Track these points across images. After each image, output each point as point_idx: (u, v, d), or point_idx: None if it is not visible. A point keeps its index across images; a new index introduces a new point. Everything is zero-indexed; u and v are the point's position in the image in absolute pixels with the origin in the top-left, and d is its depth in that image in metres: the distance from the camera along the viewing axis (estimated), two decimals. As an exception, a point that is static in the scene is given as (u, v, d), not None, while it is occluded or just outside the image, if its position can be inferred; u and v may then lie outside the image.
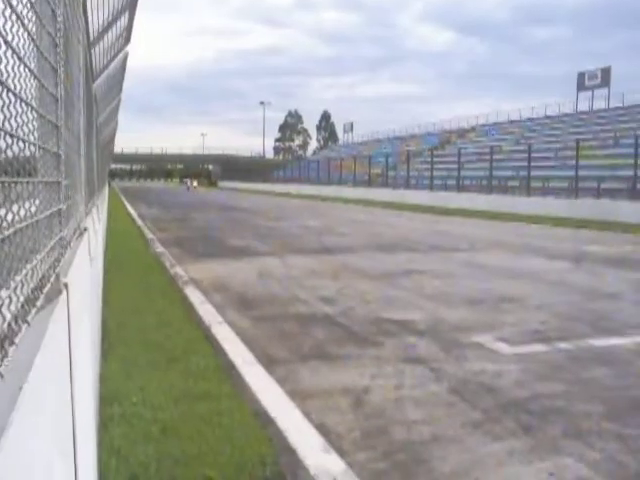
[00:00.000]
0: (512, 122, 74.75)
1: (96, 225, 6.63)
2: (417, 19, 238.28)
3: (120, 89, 13.48)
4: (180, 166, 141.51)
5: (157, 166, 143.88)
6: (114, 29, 6.09)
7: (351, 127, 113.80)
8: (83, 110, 3.97)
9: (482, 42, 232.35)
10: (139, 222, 23.99)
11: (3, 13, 1.07)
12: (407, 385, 5.21)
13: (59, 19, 1.99)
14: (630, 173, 29.80)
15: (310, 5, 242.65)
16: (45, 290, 1.48)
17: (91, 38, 5.04)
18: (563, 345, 6.53)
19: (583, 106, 69.30)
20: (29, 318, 1.20)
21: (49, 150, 1.68)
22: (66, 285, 1.70)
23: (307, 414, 4.57)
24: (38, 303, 1.41)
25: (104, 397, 4.73)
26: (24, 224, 1.21)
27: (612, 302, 8.95)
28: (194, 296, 9.10)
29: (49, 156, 1.69)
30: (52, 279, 1.59)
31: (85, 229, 3.61)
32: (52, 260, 1.66)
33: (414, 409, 4.69)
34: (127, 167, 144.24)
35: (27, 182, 1.35)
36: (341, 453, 3.96)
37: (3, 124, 1.04)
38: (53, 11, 1.85)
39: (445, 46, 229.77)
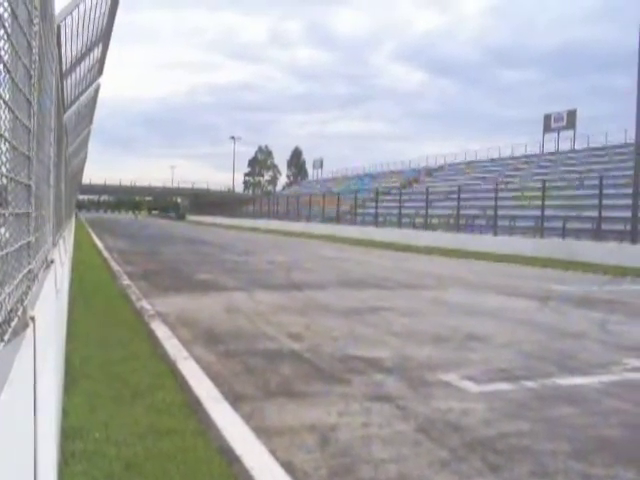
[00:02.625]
0: (480, 162, 75.77)
1: (62, 257, 6.56)
2: (390, 58, 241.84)
3: (91, 120, 13.44)
4: (149, 198, 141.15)
5: (125, 198, 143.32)
6: (87, 60, 6.09)
7: (321, 164, 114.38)
8: (54, 141, 3.95)
9: (452, 83, 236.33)
10: (105, 254, 23.76)
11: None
12: (374, 423, 5.18)
13: (34, 51, 1.98)
14: (594, 214, 30.27)
15: (284, 42, 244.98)
16: (13, 324, 1.45)
17: (64, 69, 5.03)
18: (529, 384, 6.56)
19: (549, 147, 70.56)
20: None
21: (20, 182, 1.67)
22: (33, 319, 1.67)
23: (273, 452, 4.52)
24: (5, 337, 1.39)
25: (66, 432, 4.63)
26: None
27: (577, 341, 9.03)
28: (160, 330, 9.00)
29: (20, 187, 1.68)
30: (19, 312, 1.56)
31: (52, 261, 3.57)
32: (20, 293, 1.64)
33: (381, 447, 4.66)
34: (95, 198, 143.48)
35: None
36: (307, 492, 3.91)
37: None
38: (29, 43, 1.85)
39: (416, 86, 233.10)
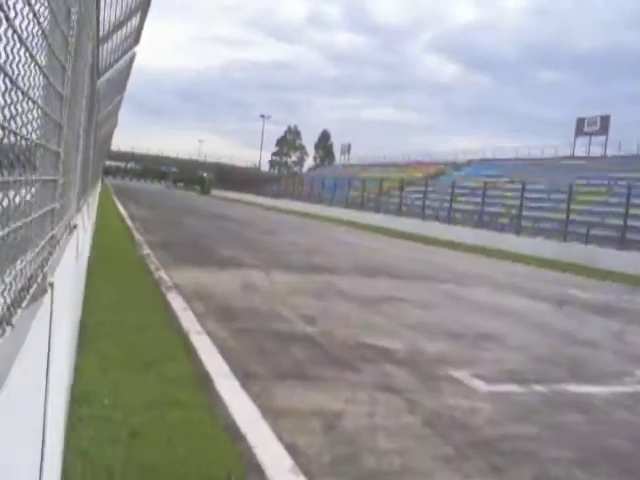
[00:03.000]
0: (508, 160, 75.17)
1: (85, 222, 6.60)
2: (426, 49, 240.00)
3: (124, 88, 13.48)
4: (174, 169, 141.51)
5: (152, 167, 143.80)
6: (124, 28, 6.09)
7: (348, 149, 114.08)
8: (85, 107, 3.96)
9: (487, 78, 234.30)
10: (128, 222, 23.90)
11: (21, 11, 1.06)
12: (380, 414, 5.19)
13: (73, 17, 1.98)
14: (620, 222, 29.97)
15: (322, 24, 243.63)
16: (31, 291, 1.46)
17: (101, 35, 5.04)
18: (539, 388, 6.53)
19: (580, 151, 69.88)
20: (13, 320, 1.19)
21: (50, 149, 1.67)
22: (51, 285, 1.68)
23: (278, 433, 4.54)
24: (24, 303, 1.40)
25: (75, 396, 4.68)
26: (18, 224, 1.20)
27: (591, 349, 8.97)
28: (176, 302, 9.06)
29: (49, 154, 1.68)
30: (39, 279, 1.58)
31: (75, 226, 3.59)
32: (41, 259, 1.65)
33: (386, 438, 4.67)
34: (122, 165, 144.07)
35: (24, 180, 1.34)
36: (309, 477, 3.93)
37: (9, 122, 1.03)
38: (68, 9, 1.85)
39: (450, 78, 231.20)
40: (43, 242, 1.64)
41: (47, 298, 1.62)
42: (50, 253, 1.75)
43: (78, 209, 4.66)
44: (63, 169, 2.13)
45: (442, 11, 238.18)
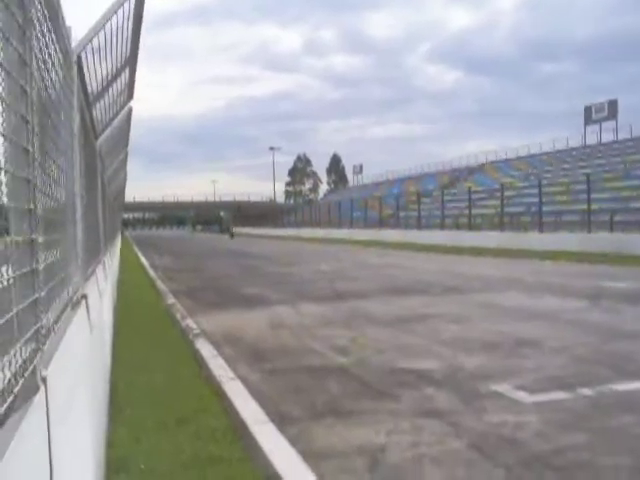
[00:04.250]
0: (521, 158, 74.83)
1: (101, 285, 6.51)
2: (424, 59, 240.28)
3: (126, 143, 13.51)
4: (192, 213, 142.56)
5: (169, 214, 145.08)
6: (115, 86, 6.05)
7: (360, 169, 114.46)
8: (79, 171, 3.88)
9: (489, 79, 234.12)
10: (151, 273, 23.92)
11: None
12: (425, 442, 5.00)
13: (48, 91, 1.88)
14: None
15: (319, 50, 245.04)
16: (16, 390, 1.33)
17: (90, 98, 4.98)
18: (585, 391, 6.30)
19: (591, 139, 69.43)
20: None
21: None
22: (44, 380, 1.56)
23: (321, 477, 4.37)
24: (9, 405, 1.28)
25: (110, 464, 4.56)
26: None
27: (633, 342, 8.72)
28: (205, 349, 8.94)
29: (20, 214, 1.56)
30: (27, 374, 1.45)
31: (83, 296, 3.48)
32: (29, 351, 1.52)
33: (433, 468, 4.49)
34: (140, 216, 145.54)
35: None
36: (358, 522, 3.76)
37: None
38: (43, 83, 1.75)
39: (453, 85, 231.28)
40: (29, 334, 1.51)
41: (40, 396, 1.49)
42: (40, 347, 1.63)
43: (88, 277, 4.56)
44: (48, 230, 2.04)
45: (436, 20, 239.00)
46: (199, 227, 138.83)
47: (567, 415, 5.63)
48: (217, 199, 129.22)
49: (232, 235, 78.70)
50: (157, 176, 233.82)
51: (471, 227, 42.97)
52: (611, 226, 32.67)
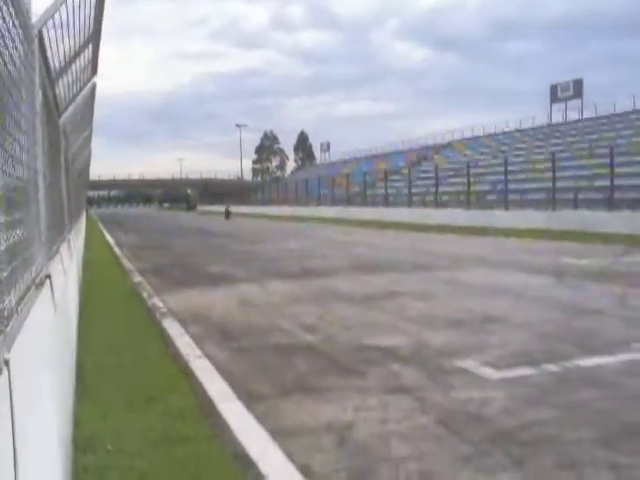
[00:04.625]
0: (488, 136, 75.23)
1: (66, 264, 6.42)
2: (393, 36, 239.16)
3: (91, 120, 13.29)
4: (158, 191, 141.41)
5: (136, 192, 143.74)
6: (78, 61, 5.94)
7: (328, 147, 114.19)
8: (42, 148, 3.80)
9: (457, 57, 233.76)
10: (117, 251, 23.70)
11: None
12: (392, 418, 5.04)
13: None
14: (606, 183, 29.90)
15: (287, 26, 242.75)
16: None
17: (53, 74, 4.88)
18: (550, 367, 6.39)
19: (557, 118, 69.99)
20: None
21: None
22: (7, 362, 1.52)
23: (290, 455, 4.38)
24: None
25: (78, 444, 4.53)
26: None
27: (596, 318, 8.86)
28: (173, 328, 8.89)
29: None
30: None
31: (48, 276, 3.43)
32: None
33: (400, 444, 4.52)
34: (105, 194, 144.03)
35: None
36: (326, 498, 3.78)
37: None
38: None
39: (421, 62, 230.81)
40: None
41: (3, 378, 1.46)
42: (2, 324, 1.59)
43: (52, 255, 4.49)
44: (10, 209, 2.00)
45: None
46: (166, 205, 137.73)
47: (533, 391, 5.71)
48: (184, 177, 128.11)
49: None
50: (123, 154, 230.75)
51: (438, 205, 43.22)
52: (575, 204, 33.07)
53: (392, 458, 4.30)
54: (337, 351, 7.30)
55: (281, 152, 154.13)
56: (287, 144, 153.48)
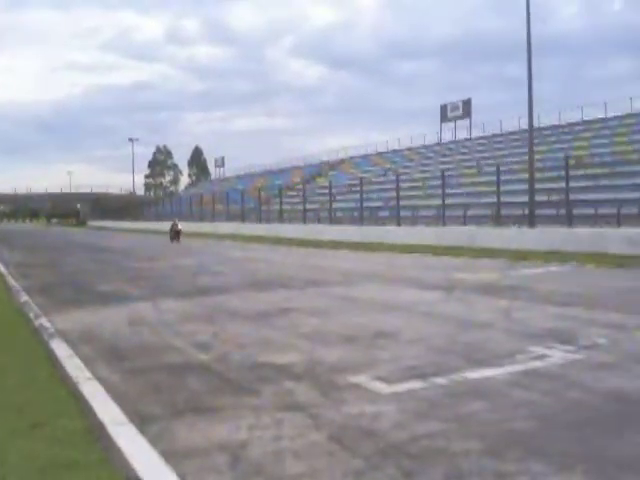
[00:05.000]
0: (380, 154, 76.79)
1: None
2: (289, 54, 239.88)
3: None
4: (47, 206, 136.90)
5: (22, 206, 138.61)
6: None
7: (222, 162, 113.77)
8: None
9: (352, 76, 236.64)
10: (1, 268, 22.77)
11: None
12: (286, 436, 5.06)
13: None
14: (494, 200, 31.02)
15: (182, 40, 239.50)
16: None
17: None
18: (439, 380, 6.57)
19: (447, 136, 72.24)
20: None
21: None
22: None
23: (183, 476, 4.32)
24: None
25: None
26: None
27: (483, 331, 9.17)
28: (61, 349, 8.60)
29: None
30: None
31: None
32: None
33: (294, 462, 4.54)
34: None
35: None
36: (219, 520, 3.75)
37: None
38: None
39: (316, 80, 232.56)
40: None
41: None
42: None
43: None
44: None
45: (299, 16, 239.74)
46: (54, 220, 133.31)
47: (423, 404, 5.85)
48: (74, 191, 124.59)
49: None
50: (9, 167, 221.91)
51: (332, 221, 43.72)
52: (464, 220, 34.17)
53: (285, 476, 4.31)
54: (231, 370, 7.27)
55: (175, 167, 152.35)
56: (181, 159, 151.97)
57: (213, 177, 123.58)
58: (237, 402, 6.03)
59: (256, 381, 6.73)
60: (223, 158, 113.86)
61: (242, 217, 55.95)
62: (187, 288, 15.47)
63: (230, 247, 34.14)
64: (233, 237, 44.68)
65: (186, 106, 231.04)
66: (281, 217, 50.47)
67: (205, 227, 57.61)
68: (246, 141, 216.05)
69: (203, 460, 4.64)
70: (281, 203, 51.30)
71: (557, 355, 7.61)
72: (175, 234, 41.10)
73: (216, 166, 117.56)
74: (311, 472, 4.37)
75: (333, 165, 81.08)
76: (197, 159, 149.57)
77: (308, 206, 47.69)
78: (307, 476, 4.30)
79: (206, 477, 4.33)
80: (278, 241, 37.12)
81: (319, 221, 46.68)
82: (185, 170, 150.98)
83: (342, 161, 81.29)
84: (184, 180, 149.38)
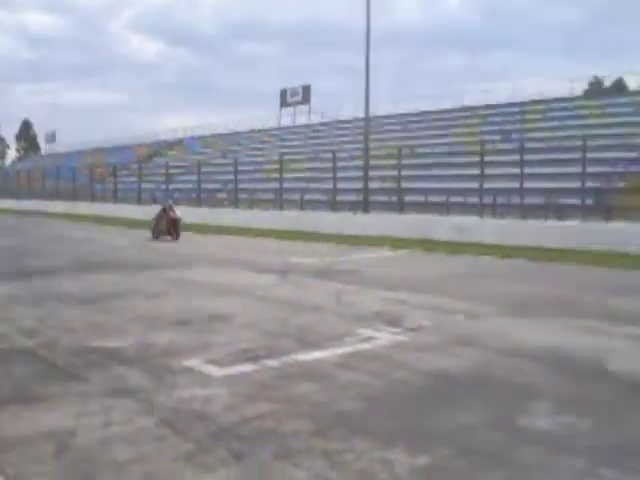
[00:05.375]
0: (219, 135, 76.19)
1: None
2: (127, 27, 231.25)
3: None
4: None
5: None
6: None
7: (53, 137, 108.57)
8: None
9: (191, 54, 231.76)
10: None
11: None
12: (115, 422, 4.99)
13: None
14: (331, 186, 31.64)
15: (10, 4, 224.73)
16: None
17: None
18: (271, 362, 6.70)
19: (286, 121, 72.83)
20: None
21: None
22: None
23: (2, 469, 4.16)
24: None
25: None
26: None
27: (315, 315, 9.41)
28: None
29: None
30: None
31: None
32: None
33: (123, 448, 4.49)
34: None
35: None
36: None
37: None
38: None
39: (154, 56, 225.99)
40: None
41: None
42: None
43: None
44: None
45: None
46: None
47: (254, 386, 5.95)
48: None
49: (170, 228, 33.64)
50: None
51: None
52: (301, 204, 34.67)
53: (114, 462, 4.26)
54: (59, 356, 7.03)
55: (2, 141, 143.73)
56: (8, 132, 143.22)
57: (44, 152, 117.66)
58: (65, 389, 5.86)
59: (85, 367, 6.56)
60: (54, 133, 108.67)
61: (74, 195, 53.73)
62: (9, 270, 14.70)
63: (61, 226, 32.72)
64: (64, 216, 42.82)
65: (14, 76, 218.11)
66: (115, 197, 49.01)
67: (33, 205, 54.83)
68: (79, 116, 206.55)
69: (28, 449, 4.49)
70: (115, 182, 49.83)
71: (384, 337, 7.97)
72: (170, 225, 24.62)
73: (47, 141, 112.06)
74: (140, 457, 4.34)
75: (171, 145, 79.54)
76: (26, 133, 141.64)
77: (144, 186, 46.62)
78: (136, 462, 4.28)
79: (30, 467, 4.20)
80: (113, 221, 36.05)
81: (155, 202, 45.74)
82: (13, 145, 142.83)
83: (180, 141, 79.93)
84: (12, 155, 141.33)
